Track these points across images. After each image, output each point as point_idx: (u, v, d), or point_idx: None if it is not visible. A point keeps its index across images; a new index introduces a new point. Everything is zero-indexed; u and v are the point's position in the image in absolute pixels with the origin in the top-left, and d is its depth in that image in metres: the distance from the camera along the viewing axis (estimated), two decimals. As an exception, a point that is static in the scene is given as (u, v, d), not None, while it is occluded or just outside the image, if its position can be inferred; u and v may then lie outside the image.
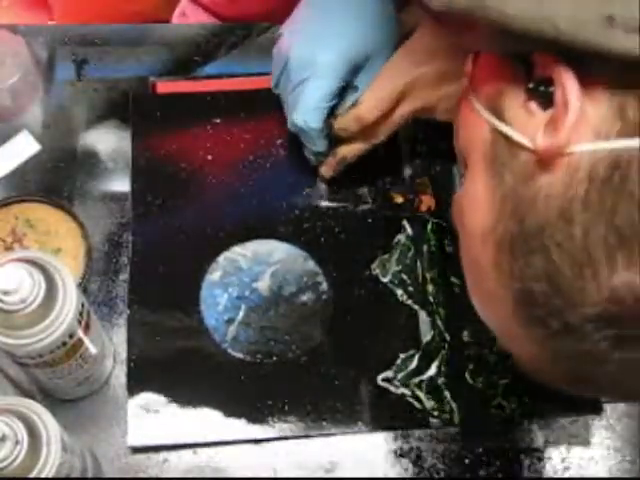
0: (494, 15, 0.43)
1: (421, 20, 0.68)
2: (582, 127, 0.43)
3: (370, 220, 0.78)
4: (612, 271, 0.41)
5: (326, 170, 0.76)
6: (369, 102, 0.70)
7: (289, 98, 0.72)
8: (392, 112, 0.71)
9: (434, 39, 0.67)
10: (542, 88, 0.46)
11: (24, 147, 0.79)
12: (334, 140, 0.73)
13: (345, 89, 0.71)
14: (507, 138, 0.47)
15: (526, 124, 0.46)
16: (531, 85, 0.46)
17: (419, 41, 0.69)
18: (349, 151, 0.74)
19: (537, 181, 0.44)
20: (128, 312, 0.73)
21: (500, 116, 0.48)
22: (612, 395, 0.57)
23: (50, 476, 0.54)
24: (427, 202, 0.79)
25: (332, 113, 0.72)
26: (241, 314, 0.74)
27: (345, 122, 0.71)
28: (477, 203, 0.49)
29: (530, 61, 0.47)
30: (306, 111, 0.70)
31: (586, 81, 0.43)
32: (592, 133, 0.43)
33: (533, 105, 0.46)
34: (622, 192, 0.41)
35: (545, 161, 0.44)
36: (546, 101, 0.45)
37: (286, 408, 0.71)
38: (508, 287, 0.46)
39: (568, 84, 0.43)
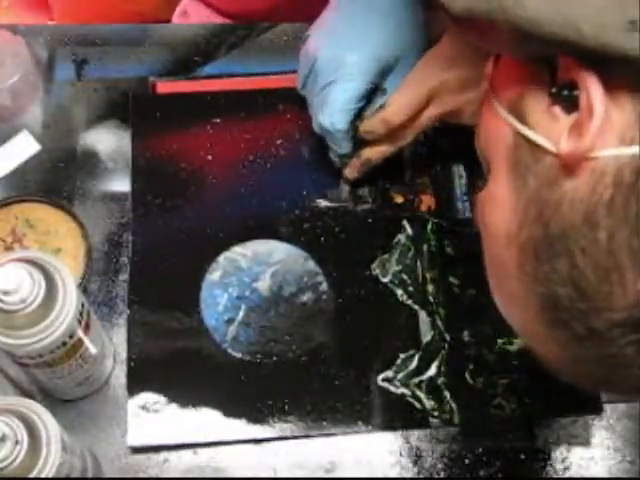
0: (515, 19, 0.43)
1: (447, 25, 0.68)
2: (607, 132, 0.42)
3: (370, 220, 0.78)
4: (638, 275, 0.41)
5: (350, 172, 0.76)
6: (396, 105, 0.70)
7: (315, 99, 0.72)
8: (419, 115, 0.71)
9: (460, 44, 0.67)
10: (566, 92, 0.45)
11: (24, 147, 0.79)
12: (359, 142, 0.73)
13: (374, 91, 0.71)
14: (530, 142, 0.46)
15: (550, 128, 0.46)
16: (554, 89, 0.46)
17: (446, 45, 0.69)
18: (374, 153, 0.74)
19: (562, 185, 0.44)
20: (128, 312, 0.73)
21: (523, 120, 0.47)
22: (638, 396, 0.58)
23: (50, 476, 0.54)
24: (427, 202, 0.79)
25: (359, 115, 0.72)
26: (241, 314, 0.74)
27: (372, 125, 0.72)
28: (500, 206, 0.49)
29: (553, 64, 0.46)
30: (333, 112, 0.70)
31: (610, 85, 0.43)
32: (617, 138, 0.42)
33: (557, 109, 0.46)
34: None
35: (570, 166, 0.44)
36: (570, 105, 0.45)
37: (286, 408, 0.71)
38: (532, 290, 0.46)
39: (592, 88, 0.43)
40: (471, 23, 0.47)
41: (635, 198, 0.41)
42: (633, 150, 0.41)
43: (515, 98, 0.49)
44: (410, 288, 0.76)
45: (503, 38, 0.47)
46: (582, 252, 0.43)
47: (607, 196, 0.42)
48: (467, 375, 0.73)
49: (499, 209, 0.49)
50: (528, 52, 0.48)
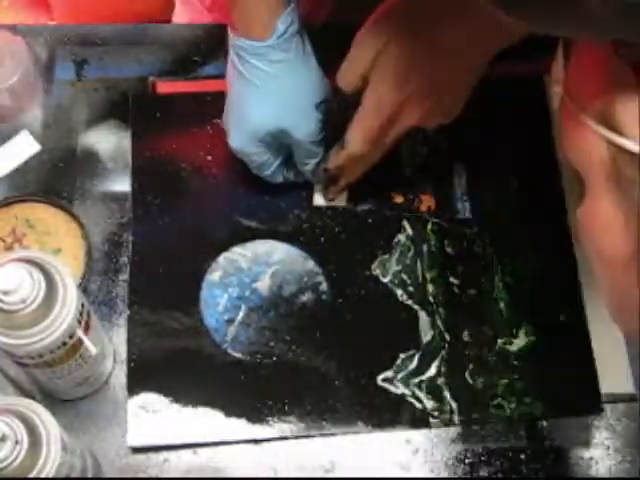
0: None
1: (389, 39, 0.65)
2: None
3: (370, 220, 0.78)
4: None
5: (332, 195, 0.77)
6: (355, 141, 0.69)
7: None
8: (385, 134, 0.69)
9: (409, 58, 0.64)
10: None
11: (24, 147, 0.79)
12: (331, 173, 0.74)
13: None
14: (629, 152, 0.42)
15: None
16: None
17: (394, 64, 0.65)
18: (351, 177, 0.75)
19: None
20: (128, 312, 0.73)
21: (616, 129, 0.43)
22: None
23: (50, 476, 0.54)
24: (427, 202, 0.79)
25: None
26: (241, 314, 0.74)
27: (338, 161, 0.72)
28: (609, 228, 0.45)
29: (637, 62, 0.42)
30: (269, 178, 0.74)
31: None
32: None
33: None
34: None
35: None
36: None
37: (286, 408, 0.71)
38: None
39: None
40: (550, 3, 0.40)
41: None
42: None
43: (603, 106, 0.44)
44: (410, 288, 0.76)
45: (598, 15, 0.39)
46: None
47: None
48: (467, 375, 0.73)
49: (609, 232, 0.45)
50: (626, 34, 0.41)
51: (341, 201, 0.78)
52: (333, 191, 0.77)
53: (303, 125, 0.69)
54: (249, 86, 0.68)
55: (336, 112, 0.71)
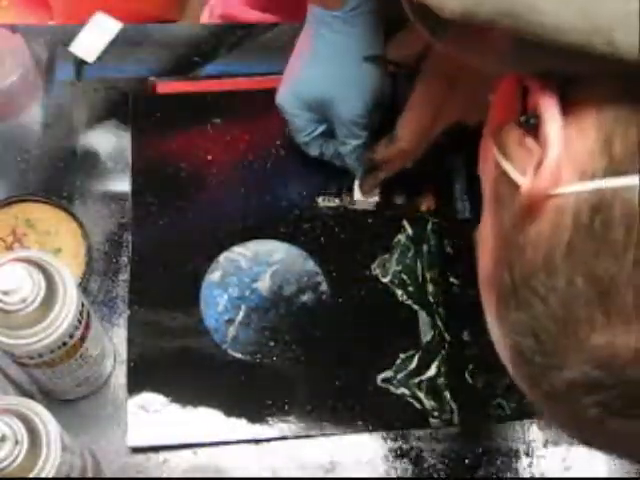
0: (527, 26, 0.36)
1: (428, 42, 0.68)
2: (567, 165, 0.38)
3: (370, 220, 0.78)
4: (591, 330, 0.36)
5: (367, 190, 0.76)
6: (408, 133, 0.70)
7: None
8: (429, 133, 0.71)
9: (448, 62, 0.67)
10: (532, 121, 0.40)
11: (105, 27, 0.82)
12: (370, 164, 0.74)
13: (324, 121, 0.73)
14: (508, 175, 0.41)
15: (525, 161, 0.40)
16: (522, 118, 0.41)
17: (440, 63, 0.68)
18: (389, 172, 0.75)
19: (525, 226, 0.39)
20: (128, 312, 0.73)
21: (503, 150, 0.42)
22: (620, 455, 0.54)
23: (50, 476, 0.54)
24: (427, 202, 0.79)
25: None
26: (241, 314, 0.74)
27: (389, 155, 0.72)
28: (484, 244, 0.45)
29: (526, 87, 0.41)
30: (301, 145, 0.75)
31: (575, 109, 0.38)
32: (577, 172, 0.37)
33: (529, 140, 0.40)
34: (603, 240, 0.36)
35: (533, 204, 0.38)
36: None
37: (286, 408, 0.71)
38: (505, 339, 0.42)
39: (550, 118, 0.38)
40: (461, 33, 0.41)
41: (591, 241, 0.36)
42: (593, 185, 0.36)
43: (497, 127, 0.43)
44: (410, 288, 0.76)
45: (500, 50, 0.40)
46: (541, 301, 0.38)
47: (566, 238, 0.37)
48: (467, 375, 0.73)
49: (483, 248, 0.45)
50: (527, 68, 0.41)
51: (374, 196, 0.77)
52: (370, 184, 0.76)
53: (349, 101, 0.70)
54: (309, 49, 0.70)
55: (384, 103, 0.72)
